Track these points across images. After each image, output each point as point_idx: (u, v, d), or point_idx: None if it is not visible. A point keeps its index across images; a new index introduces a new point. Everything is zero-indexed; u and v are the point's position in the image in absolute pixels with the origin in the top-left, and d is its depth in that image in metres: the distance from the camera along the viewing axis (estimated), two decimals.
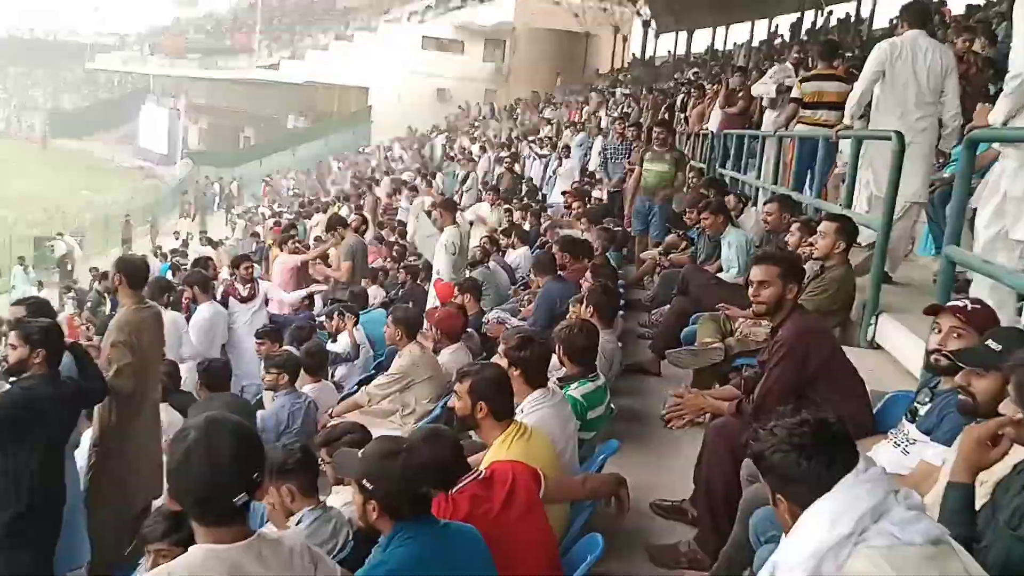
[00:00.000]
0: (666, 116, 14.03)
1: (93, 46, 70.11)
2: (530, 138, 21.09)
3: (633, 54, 38.48)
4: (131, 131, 55.77)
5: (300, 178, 36.81)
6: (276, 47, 47.34)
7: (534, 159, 18.60)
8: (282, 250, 9.15)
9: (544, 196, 16.07)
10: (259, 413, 5.22)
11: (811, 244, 4.91)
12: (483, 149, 21.71)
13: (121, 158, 53.22)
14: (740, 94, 11.23)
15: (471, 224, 10.70)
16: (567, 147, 16.75)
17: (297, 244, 9.39)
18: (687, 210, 7.38)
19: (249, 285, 7.90)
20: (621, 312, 5.73)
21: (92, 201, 34.38)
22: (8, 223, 29.56)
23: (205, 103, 55.35)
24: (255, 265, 8.36)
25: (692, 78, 17.70)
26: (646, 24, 37.06)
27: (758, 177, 8.85)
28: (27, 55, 75.78)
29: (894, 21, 9.11)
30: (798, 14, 27.69)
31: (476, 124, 33.38)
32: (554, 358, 3.78)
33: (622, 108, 17.97)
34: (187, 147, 49.78)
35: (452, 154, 24.64)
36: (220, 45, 54.91)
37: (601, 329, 4.39)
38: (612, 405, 3.97)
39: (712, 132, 12.26)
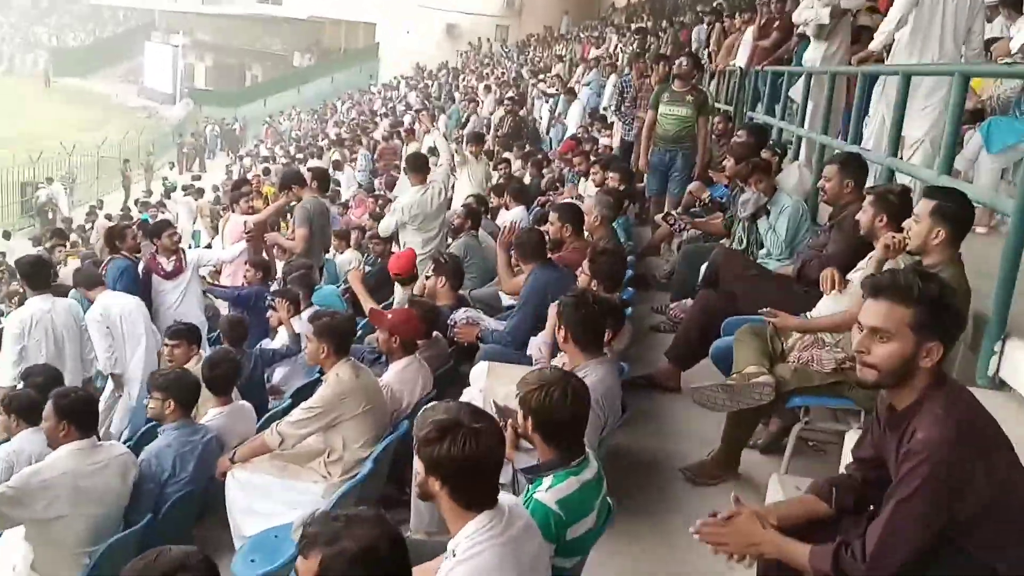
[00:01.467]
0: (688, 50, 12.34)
1: None
2: (539, 77, 19.41)
3: None
4: (135, 69, 54.42)
5: (303, 119, 35.18)
6: None
7: (544, 100, 17.02)
8: (233, 210, 7.71)
9: (549, 141, 14.58)
10: (141, 456, 3.90)
11: (892, 229, 3.47)
12: (488, 89, 20.03)
13: (124, 97, 51.86)
14: (776, 24, 9.59)
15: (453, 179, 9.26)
16: (575, 87, 15.16)
17: (250, 204, 7.93)
18: (726, 165, 5.90)
19: (174, 257, 6.55)
20: (628, 310, 4.36)
21: (89, 141, 32.93)
22: (4, 165, 28.54)
23: (211, 40, 53.94)
24: (178, 232, 6.93)
25: (717, 7, 15.84)
26: None
27: (801, 124, 7.28)
28: None
29: None
30: None
31: (486, 61, 31.58)
32: None
33: (637, 44, 16.23)
34: (192, 86, 48.60)
35: (456, 94, 22.98)
36: None
37: (589, 359, 3.07)
38: (611, 500, 2.56)
39: (740, 68, 10.65)
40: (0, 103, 46.61)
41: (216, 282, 7.68)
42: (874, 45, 6.10)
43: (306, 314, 5.91)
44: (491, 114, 17.55)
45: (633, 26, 22.13)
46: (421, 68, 34.81)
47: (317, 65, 43.67)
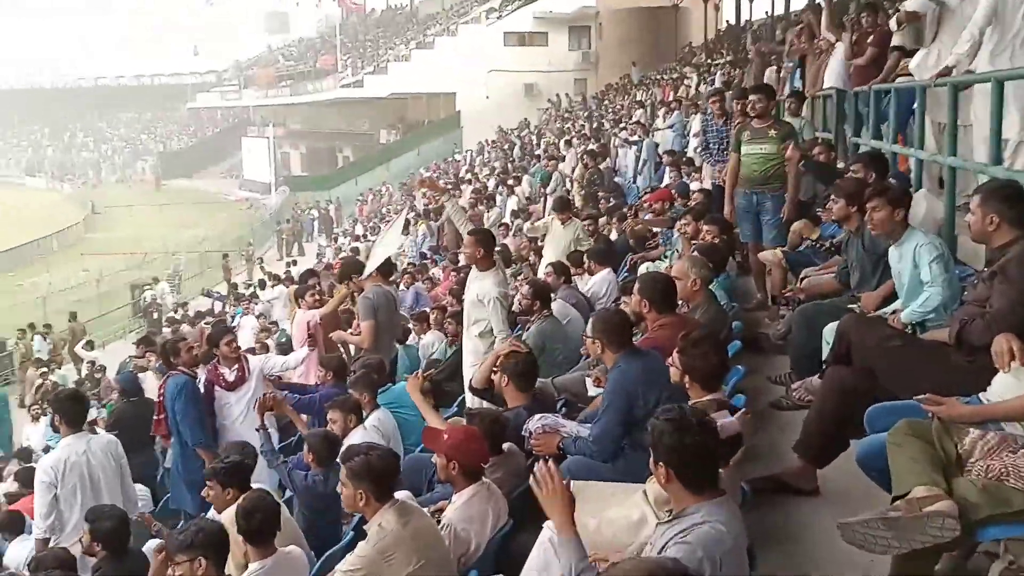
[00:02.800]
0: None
1: (193, 86, 72.13)
2: (620, 125, 18.75)
3: (727, 21, 35.34)
4: (236, 164, 57.10)
5: (393, 193, 35.56)
6: (360, 64, 46.81)
7: (627, 148, 16.31)
8: (299, 305, 7.21)
9: (637, 191, 13.81)
10: None
11: None
12: (569, 144, 19.48)
13: (228, 191, 54.32)
14: (870, 38, 8.65)
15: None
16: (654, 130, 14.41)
17: (317, 296, 7.42)
18: (832, 199, 5.01)
19: (236, 366, 6.06)
20: (738, 399, 3.53)
21: (193, 239, 34.17)
22: (113, 269, 29.85)
23: (303, 128, 56.19)
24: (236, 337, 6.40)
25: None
26: None
27: (920, 146, 6.28)
28: (135, 102, 79.27)
29: None
30: None
31: (567, 116, 31.24)
32: None
33: (722, 78, 15.42)
34: (289, 173, 50.48)
35: (538, 152, 22.55)
36: (308, 69, 55.13)
37: (701, 500, 2.27)
38: None
39: (836, 91, 9.69)
40: (112, 210, 49.52)
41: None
42: (957, 59, 5.41)
43: (372, 420, 5.29)
44: (573, 170, 16.95)
45: (712, 62, 21.35)
46: (504, 131, 34.79)
47: (403, 140, 44.49)
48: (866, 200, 4.29)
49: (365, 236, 24.55)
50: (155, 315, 21.70)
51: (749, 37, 23.29)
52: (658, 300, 4.32)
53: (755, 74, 14.77)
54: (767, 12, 31.75)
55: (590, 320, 4.02)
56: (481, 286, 5.52)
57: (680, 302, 4.90)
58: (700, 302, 4.83)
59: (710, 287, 5.00)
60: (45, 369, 15.40)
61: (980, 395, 2.86)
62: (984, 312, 3.19)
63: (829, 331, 4.42)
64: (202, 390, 6.08)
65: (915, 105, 6.90)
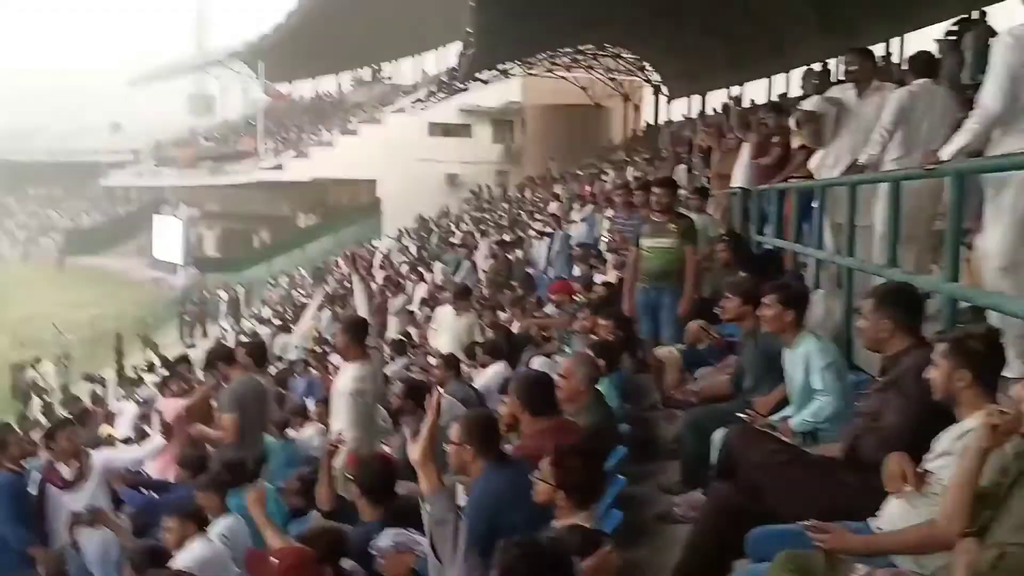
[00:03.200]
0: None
1: (109, 164, 70.38)
2: (535, 216, 18.73)
3: (646, 122, 36.49)
4: (146, 243, 55.29)
5: (305, 278, 34.80)
6: (281, 148, 46.54)
7: (541, 240, 16.18)
8: (164, 394, 6.54)
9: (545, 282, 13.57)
10: None
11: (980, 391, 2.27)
12: (484, 234, 19.32)
13: (135, 272, 52.45)
14: (775, 139, 8.71)
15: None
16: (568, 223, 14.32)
17: (184, 386, 6.77)
18: (726, 296, 4.74)
19: (74, 461, 5.36)
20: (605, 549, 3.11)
21: (88, 318, 32.53)
22: (3, 348, 28.02)
23: (220, 209, 54.93)
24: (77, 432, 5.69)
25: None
26: (656, 90, 35.10)
27: (819, 246, 6.13)
28: (47, 178, 76.64)
29: None
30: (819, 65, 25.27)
31: (486, 207, 31.35)
32: None
33: (635, 173, 15.57)
34: (202, 254, 49.07)
35: (453, 240, 22.33)
36: (229, 151, 54.54)
37: None
38: None
39: (741, 189, 9.72)
40: (8, 288, 47.11)
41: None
42: (869, 158, 5.27)
43: (220, 528, 4.66)
44: (485, 259, 16.74)
45: (630, 159, 21.73)
46: (424, 218, 34.67)
47: (321, 224, 43.99)
48: (760, 297, 4.03)
49: (271, 321, 23.67)
50: (34, 397, 20.20)
51: (667, 137, 23.90)
52: (534, 402, 3.90)
53: (666, 170, 14.99)
54: (683, 115, 32.88)
55: (452, 425, 3.56)
56: (342, 378, 5.06)
57: (565, 404, 4.51)
58: (584, 404, 4.44)
59: (598, 387, 4.62)
60: None
61: (870, 520, 2.51)
62: (877, 427, 2.87)
63: (719, 438, 4.09)
64: (34, 489, 5.34)
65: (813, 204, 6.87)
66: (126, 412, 13.42)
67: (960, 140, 4.30)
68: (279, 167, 43.47)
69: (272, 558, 3.23)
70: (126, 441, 10.40)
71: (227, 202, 54.60)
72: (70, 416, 5.85)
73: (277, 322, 21.07)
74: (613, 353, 5.37)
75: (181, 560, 4.27)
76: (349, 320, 5.30)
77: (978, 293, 4.03)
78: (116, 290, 44.92)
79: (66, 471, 5.32)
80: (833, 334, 5.02)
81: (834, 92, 6.56)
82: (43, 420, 15.89)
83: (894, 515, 2.45)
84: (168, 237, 50.00)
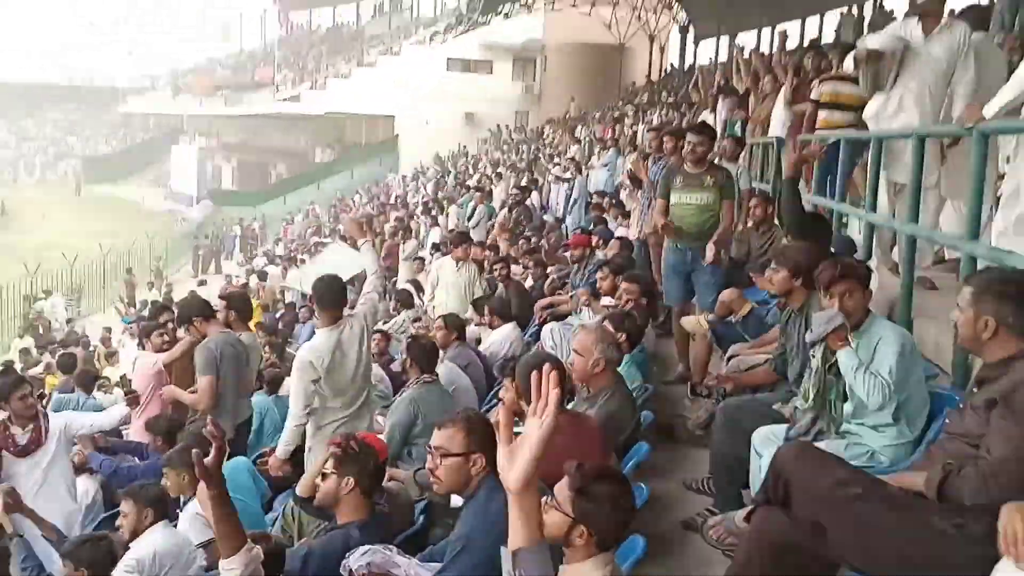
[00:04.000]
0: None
1: (126, 89, 69.64)
2: (554, 161, 17.92)
3: (671, 64, 35.21)
4: (163, 174, 54.76)
5: (318, 215, 34.19)
6: (299, 79, 45.54)
7: (559, 185, 15.45)
8: (143, 346, 5.95)
9: (565, 231, 12.93)
10: None
11: None
12: (499, 176, 18.56)
13: (152, 202, 52.05)
14: (813, 84, 7.94)
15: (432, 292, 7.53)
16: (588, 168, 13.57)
17: (166, 338, 6.17)
18: (772, 267, 4.06)
19: (31, 426, 4.85)
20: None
21: (106, 248, 32.11)
22: (12, 278, 27.72)
23: (237, 141, 54.24)
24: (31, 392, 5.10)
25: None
26: (683, 30, 33.76)
27: (873, 208, 5.41)
28: (65, 102, 76.02)
29: None
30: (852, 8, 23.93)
31: (505, 147, 30.46)
32: None
33: (660, 119, 14.73)
34: (219, 186, 48.58)
35: (470, 183, 21.58)
36: (246, 81, 53.57)
37: None
38: None
39: (777, 139, 8.98)
40: (25, 213, 46.88)
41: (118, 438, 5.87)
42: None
43: (190, 510, 4.15)
44: (503, 203, 16.05)
45: (657, 100, 20.79)
46: (440, 158, 33.86)
47: (338, 160, 43.23)
48: (829, 282, 3.37)
49: (283, 258, 23.11)
50: (40, 330, 19.87)
51: (699, 78, 22.88)
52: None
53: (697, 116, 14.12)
54: (710, 58, 31.63)
55: (439, 427, 2.92)
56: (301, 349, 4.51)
57: (580, 386, 3.91)
58: (603, 388, 3.83)
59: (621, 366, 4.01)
60: None
61: None
62: (978, 457, 2.24)
63: (760, 439, 3.49)
64: None
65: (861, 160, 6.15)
66: (130, 352, 12.97)
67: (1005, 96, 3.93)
68: (296, 98, 42.52)
69: None
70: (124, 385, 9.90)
71: (244, 134, 53.98)
72: (20, 377, 5.17)
73: (303, 256, 20.36)
74: (635, 327, 4.73)
75: (135, 551, 3.76)
76: (319, 282, 4.70)
77: None
78: (131, 220, 44.48)
79: (20, 435, 4.82)
80: (887, 311, 4.38)
81: (894, 29, 5.72)
82: (47, 357, 15.56)
83: None
84: (185, 168, 49.50)
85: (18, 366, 15.75)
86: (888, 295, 4.69)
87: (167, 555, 3.74)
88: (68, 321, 20.56)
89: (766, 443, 3.42)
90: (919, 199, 4.63)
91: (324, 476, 3.26)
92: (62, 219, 44.86)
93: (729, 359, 4.79)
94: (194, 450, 2.59)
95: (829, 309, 3.27)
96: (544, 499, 2.32)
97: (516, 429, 4.03)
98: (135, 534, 3.87)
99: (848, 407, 3.34)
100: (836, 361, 3.20)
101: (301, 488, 3.51)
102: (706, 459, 4.35)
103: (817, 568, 2.40)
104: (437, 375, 5.10)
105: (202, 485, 2.74)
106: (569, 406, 3.76)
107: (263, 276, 18.80)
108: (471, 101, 39.18)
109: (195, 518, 4.19)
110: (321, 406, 4.57)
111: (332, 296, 4.67)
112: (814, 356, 3.33)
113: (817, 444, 3.15)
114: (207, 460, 2.56)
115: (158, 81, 70.05)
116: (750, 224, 7.46)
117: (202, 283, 23.74)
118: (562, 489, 2.33)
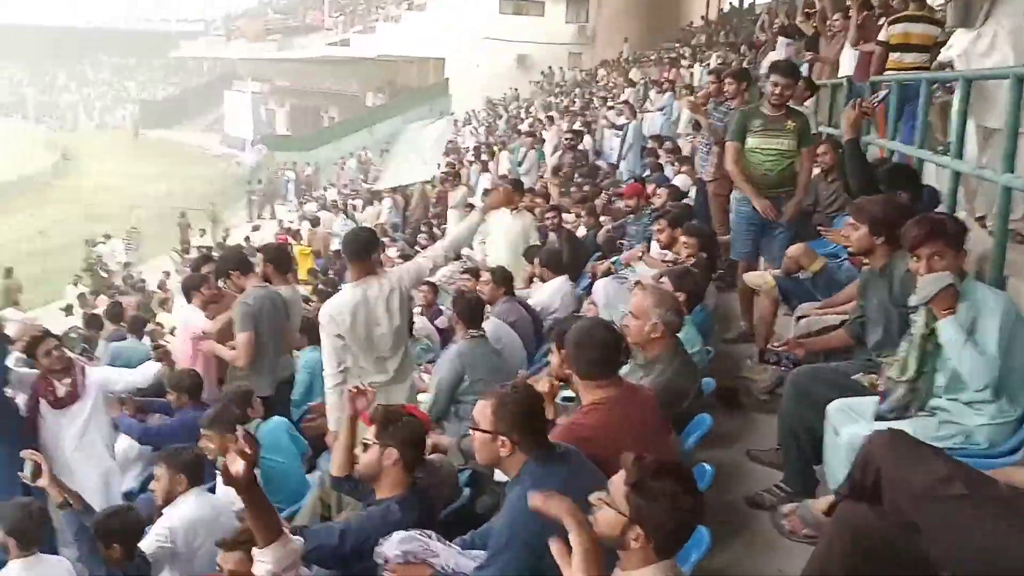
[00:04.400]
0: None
1: (179, 34, 69.98)
2: (608, 104, 17.35)
3: (730, 3, 33.82)
4: (218, 118, 55.15)
5: (371, 159, 34.03)
6: (349, 22, 45.07)
7: (613, 130, 14.94)
8: (190, 299, 5.78)
9: (619, 176, 12.50)
10: None
11: None
12: (550, 120, 18.05)
13: (207, 146, 52.65)
14: (881, 19, 7.43)
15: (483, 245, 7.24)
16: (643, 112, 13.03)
17: (214, 291, 5.89)
18: (851, 223, 3.67)
19: (67, 379, 4.73)
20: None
21: (163, 192, 32.50)
22: (76, 219, 28.19)
23: (289, 85, 54.23)
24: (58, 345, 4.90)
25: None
26: None
27: (959, 156, 4.94)
28: (120, 47, 76.69)
29: None
30: None
31: (557, 91, 29.75)
32: None
33: (718, 60, 14.06)
34: (273, 131, 48.76)
35: (522, 127, 21.09)
36: (298, 24, 53.32)
37: None
38: None
39: (848, 80, 8.42)
40: (84, 158, 47.70)
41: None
42: None
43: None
44: (555, 149, 15.59)
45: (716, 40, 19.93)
46: (492, 102, 33.27)
47: (389, 104, 42.86)
48: (917, 242, 3.00)
49: (335, 204, 23.01)
50: (103, 273, 20.14)
51: (764, 19, 21.87)
52: (592, 363, 2.97)
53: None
54: None
55: (480, 404, 2.66)
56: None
57: (636, 350, 3.60)
58: (659, 354, 3.53)
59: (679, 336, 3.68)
60: None
61: None
62: None
63: (836, 412, 3.16)
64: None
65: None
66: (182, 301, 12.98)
67: None
68: (346, 43, 42.14)
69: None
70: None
71: (297, 78, 53.89)
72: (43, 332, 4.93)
73: (355, 201, 20.16)
74: (697, 284, 4.39)
75: (167, 519, 3.62)
76: (349, 233, 4.45)
77: None
78: (186, 165, 45.10)
79: (58, 387, 4.71)
80: (976, 270, 3.97)
81: None
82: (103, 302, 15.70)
83: None
84: (238, 112, 49.72)
85: (77, 311, 16.03)
86: (975, 251, 4.27)
87: (200, 523, 3.59)
88: (125, 265, 20.76)
89: (843, 418, 3.10)
90: (1015, 145, 4.17)
91: (365, 447, 3.04)
92: (120, 164, 45.58)
93: (798, 319, 4.43)
94: (221, 460, 2.42)
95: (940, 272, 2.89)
96: (597, 495, 2.05)
97: (565, 393, 3.80)
98: (168, 500, 3.72)
99: (940, 379, 2.99)
100: (934, 331, 2.85)
101: (336, 467, 3.28)
102: (772, 427, 4.05)
103: (911, 572, 2.10)
104: (484, 330, 4.85)
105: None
106: (623, 371, 3.48)
107: (315, 222, 18.71)
108: (523, 43, 38.33)
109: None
110: (354, 366, 4.31)
111: (357, 248, 4.33)
112: (915, 322, 2.97)
113: (903, 423, 2.82)
114: (236, 470, 2.37)
115: (211, 25, 70.23)
116: (817, 171, 7.01)
117: (255, 228, 23.83)
118: (617, 484, 2.05)
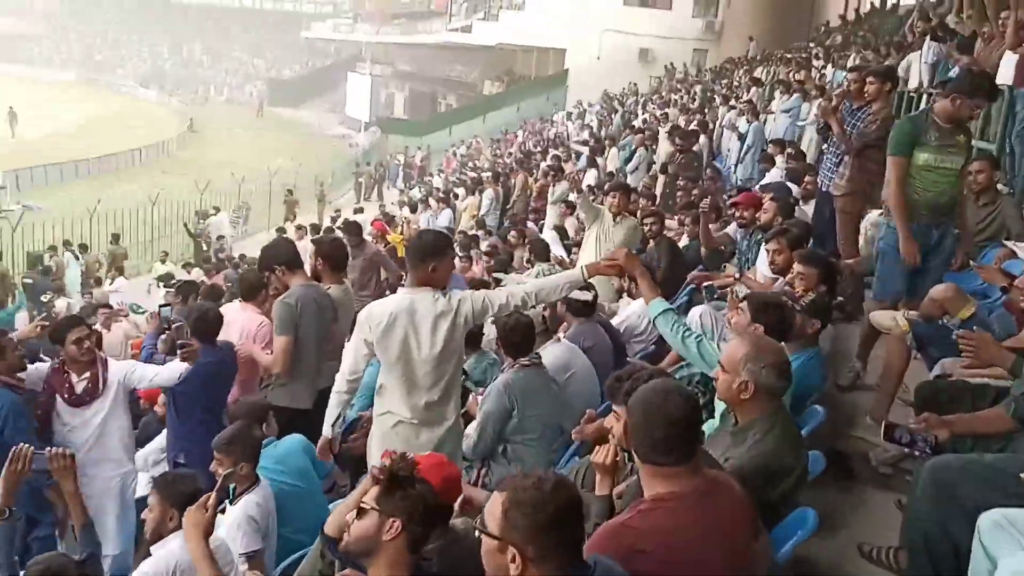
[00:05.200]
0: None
1: (310, 15, 71.93)
2: (730, 104, 16.27)
3: (872, 3, 31.70)
4: (340, 99, 56.32)
5: (481, 148, 33.72)
6: (472, 9, 44.99)
7: (733, 132, 13.91)
8: (252, 300, 5.24)
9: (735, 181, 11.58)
10: None
11: None
12: (665, 117, 17.09)
13: (326, 126, 53.88)
14: None
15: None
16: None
17: (270, 289, 5.33)
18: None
19: (87, 374, 4.29)
20: None
21: (275, 168, 33.06)
22: (190, 190, 28.99)
23: (411, 70, 54.89)
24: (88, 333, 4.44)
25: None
26: None
27: None
28: (255, 25, 79.27)
29: None
30: None
31: (678, 87, 28.57)
32: None
33: (856, 61, 12.84)
34: (391, 114, 49.39)
35: (636, 123, 20.17)
36: (423, 9, 53.85)
37: None
38: None
39: (1008, 88, 7.38)
40: (209, 131, 49.42)
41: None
42: None
43: (247, 504, 3.45)
44: (666, 151, 14.68)
45: (854, 41, 18.49)
46: (609, 96, 32.34)
47: (505, 93, 42.59)
48: None
49: (439, 191, 22.68)
50: (204, 247, 20.43)
51: (913, 19, 20.23)
52: (658, 445, 2.21)
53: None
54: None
55: (495, 497, 1.94)
56: None
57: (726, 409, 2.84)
58: (755, 419, 2.74)
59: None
60: (50, 295, 14.16)
61: None
62: None
63: (993, 527, 2.33)
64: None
65: None
66: None
67: None
68: (468, 29, 42.05)
69: None
70: None
71: (417, 63, 54.48)
72: (76, 317, 4.51)
73: (459, 190, 19.72)
74: (784, 322, 3.48)
75: (151, 563, 3.08)
76: (419, 234, 3.79)
77: None
78: (304, 144, 46.01)
79: (76, 382, 4.29)
80: None
81: None
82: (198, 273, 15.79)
83: None
84: (359, 94, 50.54)
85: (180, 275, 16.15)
86: None
87: (189, 570, 3.04)
88: (219, 238, 20.92)
89: (1003, 540, 2.26)
90: None
91: (361, 512, 2.39)
92: (241, 139, 46.96)
93: (937, 379, 3.54)
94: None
95: None
96: None
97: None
98: (157, 536, 3.19)
99: None
100: None
101: (330, 526, 2.64)
102: (891, 512, 3.22)
103: None
104: (539, 357, 4.13)
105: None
106: (707, 430, 2.72)
107: (414, 208, 18.36)
108: (647, 37, 37.22)
109: (247, 521, 3.49)
110: (385, 384, 3.66)
111: (413, 251, 3.63)
112: None
113: None
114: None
115: (339, 7, 71.68)
116: (965, 192, 5.98)
117: (359, 210, 23.75)
118: None
